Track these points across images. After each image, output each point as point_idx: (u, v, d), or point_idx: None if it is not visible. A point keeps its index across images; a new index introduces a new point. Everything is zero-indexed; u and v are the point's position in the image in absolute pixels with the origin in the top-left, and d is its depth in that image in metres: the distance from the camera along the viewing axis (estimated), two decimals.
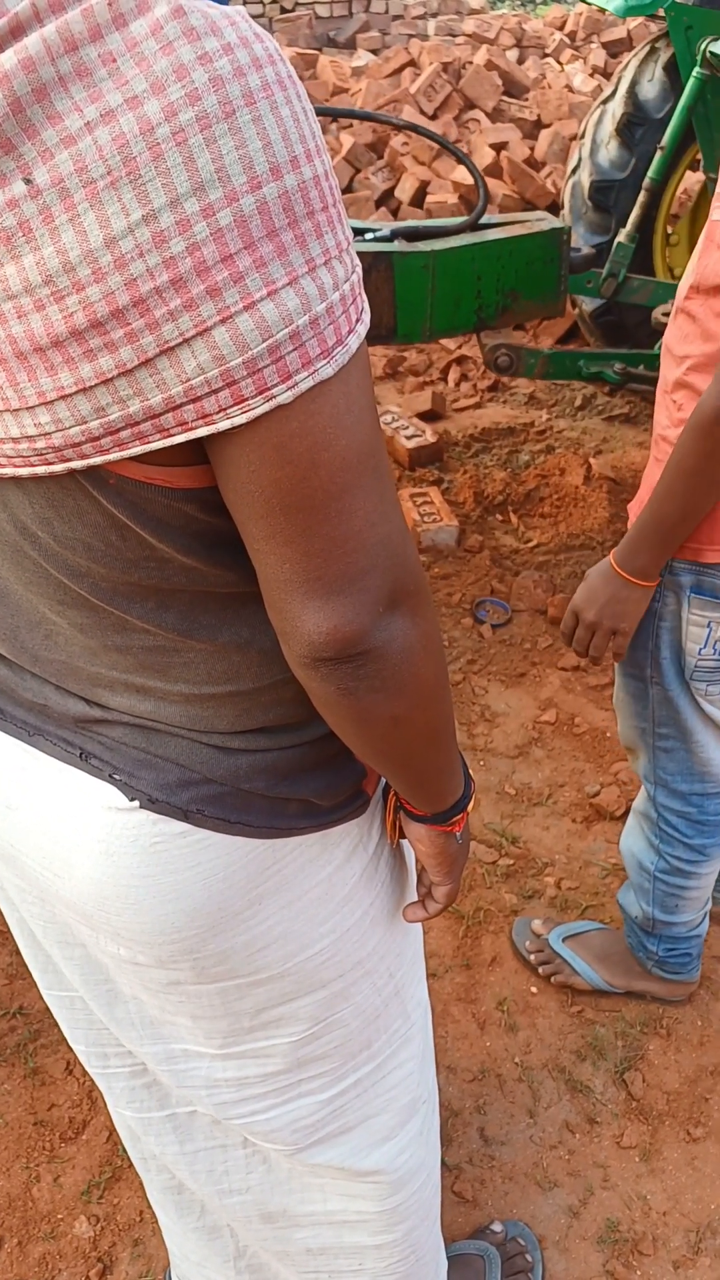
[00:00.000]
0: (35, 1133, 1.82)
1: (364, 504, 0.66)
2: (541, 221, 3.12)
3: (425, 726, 0.79)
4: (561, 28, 8.80)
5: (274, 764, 0.85)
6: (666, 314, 3.49)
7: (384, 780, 1.00)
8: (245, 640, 0.79)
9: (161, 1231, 1.37)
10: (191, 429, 0.62)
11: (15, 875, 0.95)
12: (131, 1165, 1.77)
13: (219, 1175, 1.15)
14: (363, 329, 0.65)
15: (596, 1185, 1.75)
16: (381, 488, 0.67)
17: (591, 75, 7.26)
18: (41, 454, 0.65)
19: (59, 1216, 1.71)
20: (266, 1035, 0.98)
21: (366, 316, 0.66)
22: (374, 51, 8.64)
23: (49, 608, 0.78)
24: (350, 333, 0.63)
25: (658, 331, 3.63)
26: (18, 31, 0.54)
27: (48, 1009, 2.01)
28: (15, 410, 0.63)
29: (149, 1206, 1.72)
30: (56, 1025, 1.98)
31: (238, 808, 0.84)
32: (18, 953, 2.12)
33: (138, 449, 0.64)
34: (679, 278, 4.12)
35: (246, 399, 0.61)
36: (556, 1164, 1.78)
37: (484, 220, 3.09)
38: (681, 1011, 2.01)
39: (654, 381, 3.36)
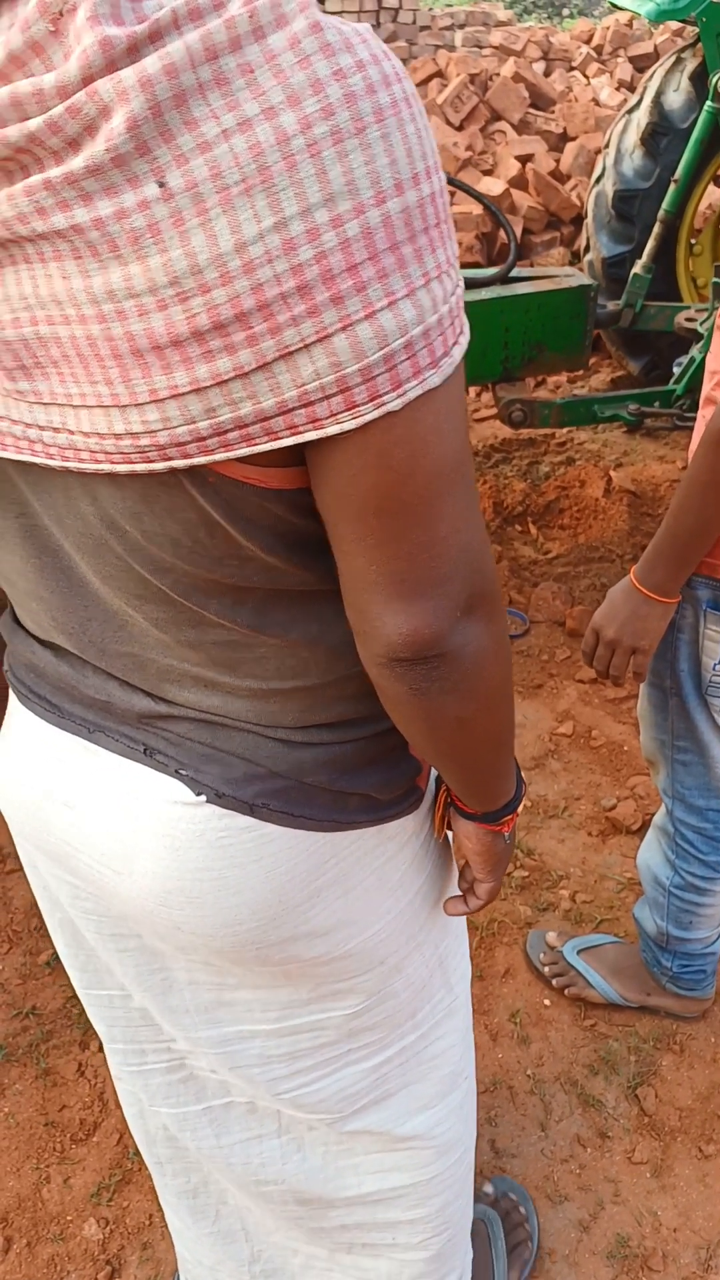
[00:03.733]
0: (46, 1134, 1.83)
1: (453, 510, 0.68)
2: (570, 278, 3.19)
3: (489, 729, 0.81)
4: (589, 41, 8.81)
5: (336, 758, 0.86)
6: (690, 319, 3.49)
7: (434, 775, 1.01)
8: (314, 636, 0.81)
9: (171, 1235, 1.37)
10: (300, 433, 0.63)
11: (67, 873, 0.96)
12: (142, 1168, 1.78)
13: (255, 1167, 1.16)
14: (465, 341, 0.66)
15: (607, 1200, 1.74)
16: (469, 495, 0.69)
17: (618, 89, 7.27)
18: (144, 451, 0.65)
19: (68, 1218, 1.71)
20: (323, 1009, 1.00)
21: (467, 330, 0.67)
22: (402, 61, 8.67)
23: (126, 601, 0.79)
24: (455, 344, 0.65)
25: (680, 340, 3.64)
26: (155, 37, 0.55)
27: (61, 1010, 2.02)
28: (123, 406, 0.64)
29: (158, 1210, 1.72)
30: (69, 1026, 1.99)
31: (301, 801, 0.85)
32: (30, 953, 2.13)
33: (243, 450, 0.64)
34: (703, 287, 4.12)
35: (358, 405, 0.62)
36: (567, 1177, 1.77)
37: (513, 274, 3.16)
38: (695, 1028, 2.00)
39: (669, 417, 3.36)
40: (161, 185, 0.57)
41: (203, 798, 0.84)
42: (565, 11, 11.99)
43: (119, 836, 0.87)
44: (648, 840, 1.87)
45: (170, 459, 0.65)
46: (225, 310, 0.59)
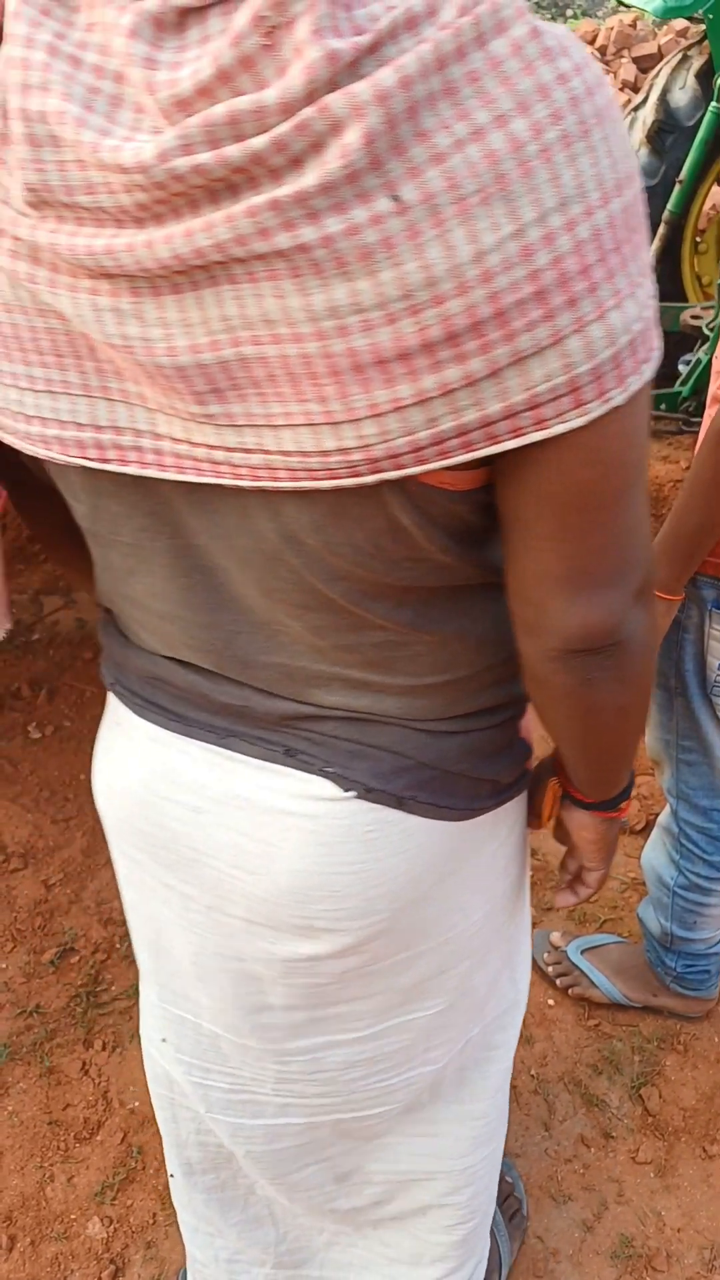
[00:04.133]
0: (50, 1132, 1.83)
1: (638, 500, 0.70)
2: None
3: (638, 717, 0.84)
4: (592, 42, 8.81)
5: (477, 745, 0.88)
6: (696, 317, 3.48)
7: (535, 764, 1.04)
8: (465, 630, 0.82)
9: (183, 1236, 1.36)
10: (523, 434, 0.63)
11: (185, 882, 0.95)
12: (146, 1167, 1.78)
13: (296, 1154, 1.16)
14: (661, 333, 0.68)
15: (611, 1200, 1.74)
16: (645, 484, 0.71)
17: (622, 89, 7.27)
18: (354, 466, 0.65)
19: (72, 1217, 1.71)
20: (410, 1011, 1.01)
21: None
22: None
23: (286, 612, 0.78)
24: (658, 337, 0.66)
25: (686, 337, 3.63)
26: (375, 48, 0.55)
27: (64, 1009, 2.02)
28: (336, 423, 0.63)
29: (162, 1209, 1.72)
30: (73, 1025, 1.99)
31: (445, 791, 0.87)
32: (34, 952, 2.14)
33: (461, 457, 0.64)
34: (708, 285, 4.11)
35: (586, 403, 0.62)
36: (571, 1177, 1.77)
37: None
38: (699, 1028, 2.00)
39: (676, 421, 3.35)
40: (395, 199, 0.56)
41: (352, 793, 0.84)
42: (569, 12, 12.00)
43: (256, 836, 0.87)
44: (653, 840, 1.86)
45: (381, 471, 0.65)
46: (460, 320, 0.58)
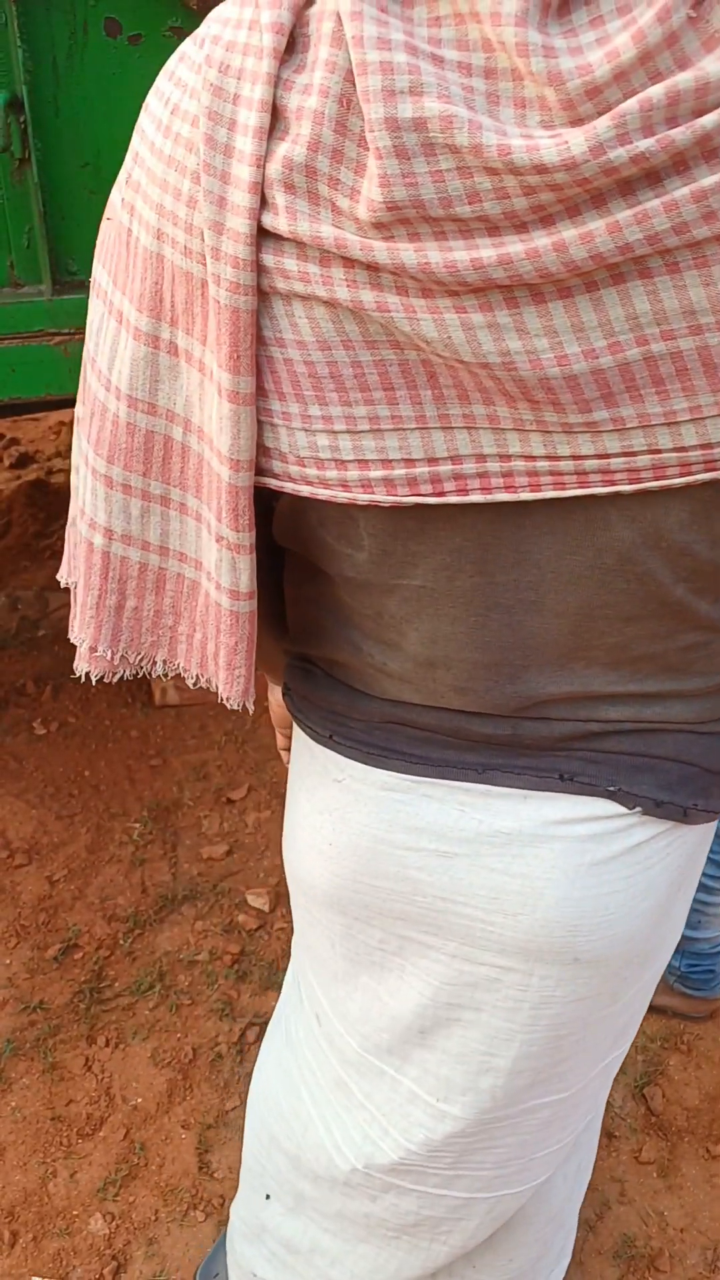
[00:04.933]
0: (52, 1128, 1.83)
1: None
2: None
3: None
4: None
5: None
6: None
7: None
8: None
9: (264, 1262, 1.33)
10: None
11: (427, 934, 0.90)
12: (146, 1164, 1.78)
13: (429, 1227, 1.14)
14: None
15: (614, 1199, 1.74)
16: None
17: None
18: None
19: (74, 1213, 1.72)
20: (608, 1068, 1.02)
21: None
22: None
23: (605, 629, 0.76)
24: None
25: None
26: None
27: (68, 1005, 2.02)
28: None
29: (164, 1205, 1.72)
30: (76, 1021, 1.99)
31: (715, 795, 0.84)
32: (38, 948, 2.14)
33: None
34: None
35: None
36: None
37: None
38: (703, 1028, 1.99)
39: None
40: None
41: (637, 810, 0.82)
42: None
43: (517, 872, 0.84)
44: None
45: None
46: None
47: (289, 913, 2.24)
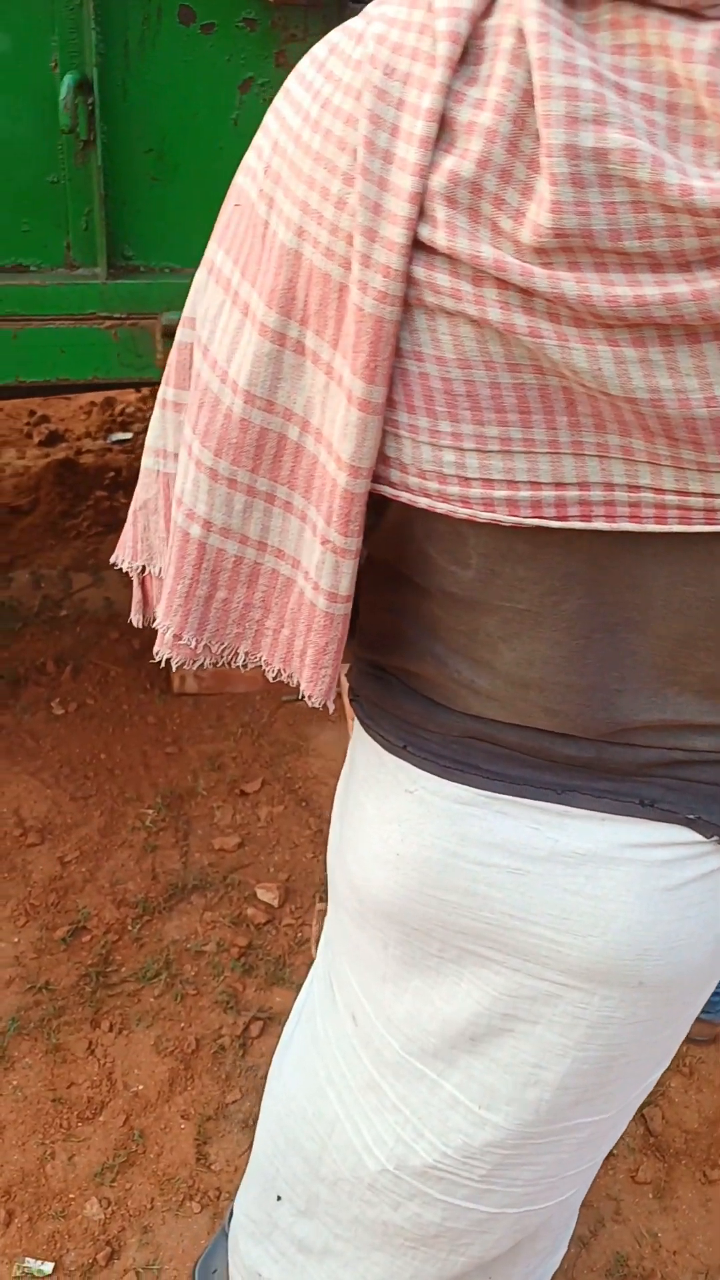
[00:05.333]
0: (53, 1110, 1.83)
1: None
2: None
3: None
4: None
5: None
6: None
7: None
8: None
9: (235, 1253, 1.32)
10: None
11: (490, 948, 0.90)
12: (145, 1152, 1.78)
13: (449, 1239, 1.14)
14: None
15: (608, 1217, 1.74)
16: None
17: None
18: None
19: (70, 1196, 1.72)
20: (644, 1089, 1.02)
21: None
22: None
23: (708, 656, 0.77)
24: None
25: None
26: None
27: (73, 987, 2.03)
28: None
29: (160, 1194, 1.72)
30: (81, 1004, 1.99)
31: None
32: (47, 928, 2.14)
33: None
34: None
35: None
36: None
37: None
38: (706, 1052, 1.99)
39: None
40: None
41: (715, 839, 0.82)
42: None
43: (589, 894, 0.84)
44: None
45: None
46: None
47: (298, 909, 2.24)
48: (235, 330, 0.72)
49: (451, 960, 0.94)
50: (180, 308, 1.82)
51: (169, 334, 1.83)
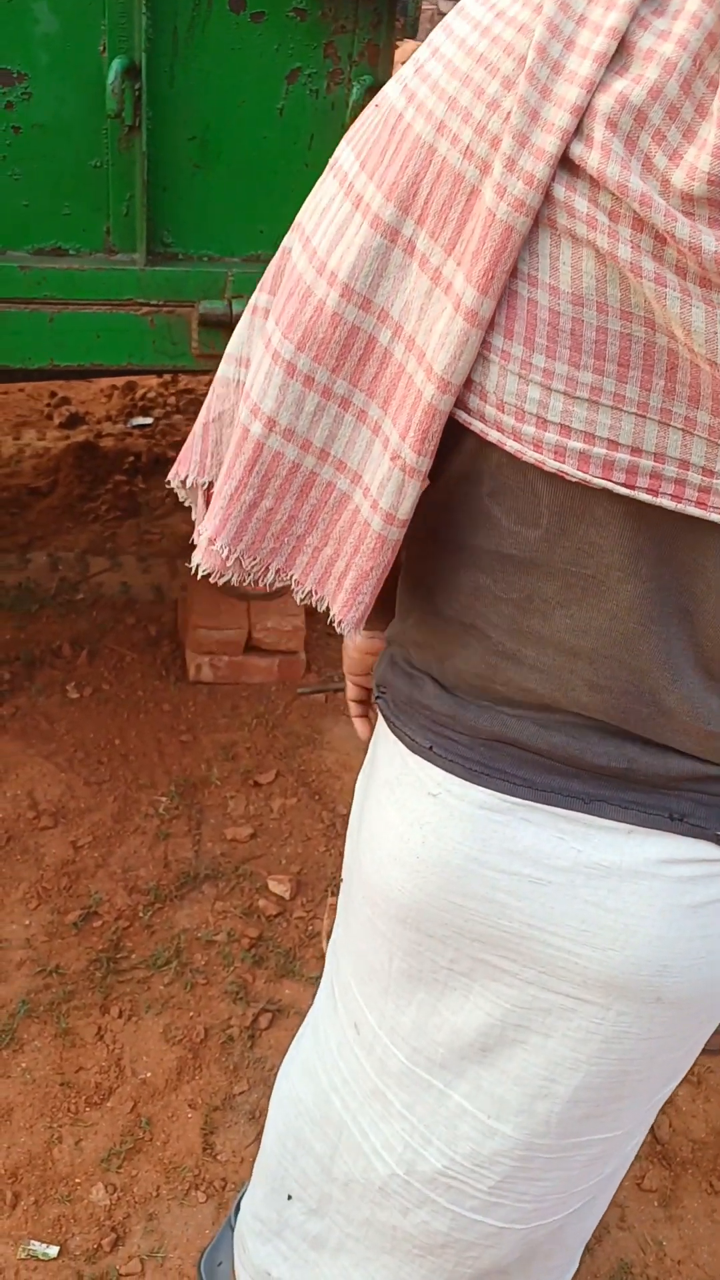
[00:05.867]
0: (61, 1093, 1.84)
1: None
2: None
3: None
4: None
5: None
6: None
7: None
8: None
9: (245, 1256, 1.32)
10: None
11: (504, 958, 0.89)
12: (152, 1139, 1.78)
13: (456, 1251, 1.14)
14: None
15: (613, 1224, 1.74)
16: None
17: None
18: None
19: (76, 1180, 1.72)
20: (654, 1107, 1.02)
21: None
22: None
23: None
24: None
25: None
26: None
27: (83, 971, 2.03)
28: None
29: (166, 1183, 1.72)
30: (91, 989, 2.00)
31: None
32: (58, 912, 2.14)
33: None
34: None
35: None
36: None
37: None
38: (715, 1061, 1.99)
39: None
40: None
41: None
42: None
43: (611, 906, 0.83)
44: None
45: None
46: None
47: (309, 902, 2.24)
48: (344, 221, 0.69)
49: (462, 973, 0.93)
50: (218, 297, 1.82)
51: (205, 323, 1.82)
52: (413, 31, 1.78)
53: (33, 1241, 1.64)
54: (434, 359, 0.66)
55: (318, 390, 0.72)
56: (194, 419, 4.41)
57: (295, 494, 0.77)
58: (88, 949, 2.08)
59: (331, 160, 0.73)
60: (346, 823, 2.47)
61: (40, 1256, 1.62)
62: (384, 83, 1.91)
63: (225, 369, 0.83)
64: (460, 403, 0.69)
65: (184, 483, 0.88)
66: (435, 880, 0.88)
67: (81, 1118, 1.81)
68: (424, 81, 0.65)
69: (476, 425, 0.69)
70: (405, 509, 0.72)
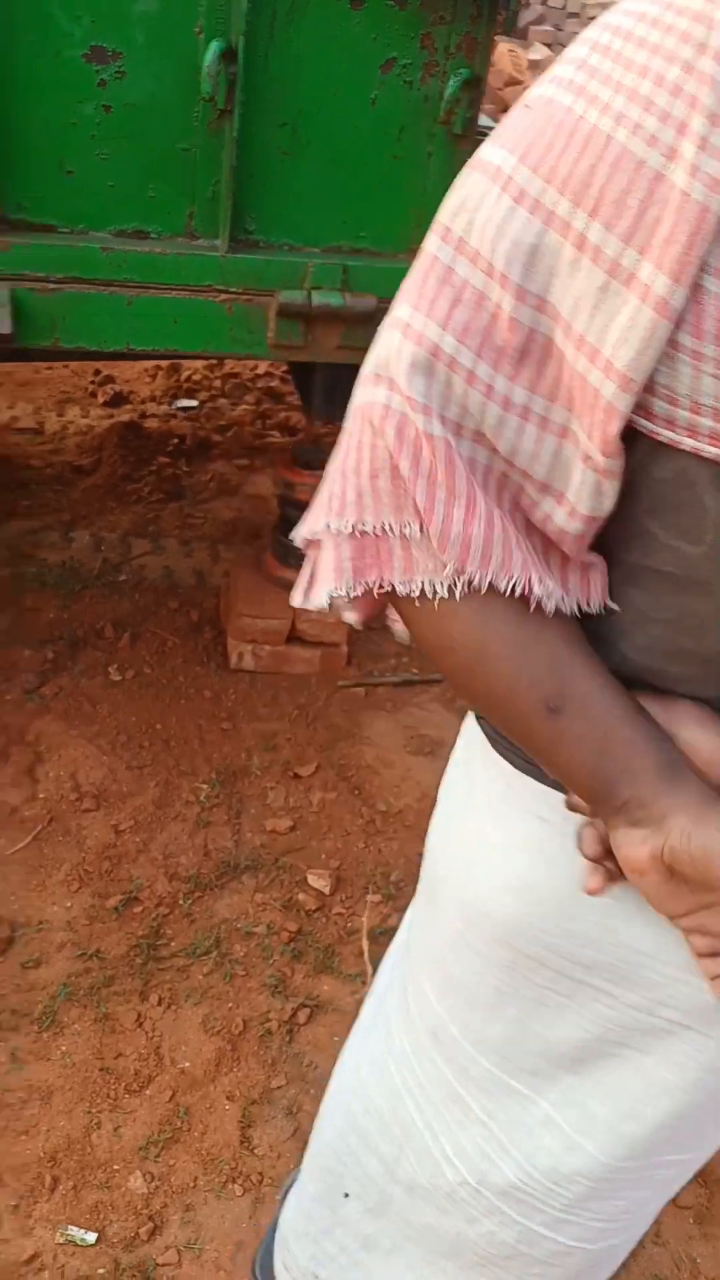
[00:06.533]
0: (101, 1079, 1.83)
1: None
2: None
3: None
4: None
5: None
6: None
7: None
8: None
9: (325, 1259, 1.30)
10: None
11: (611, 983, 0.88)
12: (190, 1130, 1.78)
13: (520, 1265, 1.13)
14: None
15: (647, 1239, 1.73)
16: None
17: None
18: None
19: (115, 1167, 1.72)
20: None
21: None
22: (546, 45, 8.52)
23: None
24: None
25: None
26: None
27: (124, 957, 2.02)
28: None
29: (204, 1174, 1.72)
30: (131, 975, 1.99)
31: None
32: (99, 895, 2.14)
33: None
34: None
35: None
36: None
37: None
38: None
39: None
40: None
41: None
42: None
43: None
44: None
45: None
46: None
47: (348, 899, 2.23)
48: (504, 216, 0.65)
49: (563, 993, 0.91)
50: (297, 287, 1.80)
51: (284, 314, 1.80)
52: (511, 26, 1.75)
53: (71, 1227, 1.63)
54: (618, 355, 0.63)
55: (498, 401, 0.69)
56: (240, 403, 4.43)
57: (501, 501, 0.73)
58: (128, 934, 2.08)
59: (470, 163, 0.69)
60: (385, 820, 2.47)
61: (79, 1242, 1.62)
62: (482, 77, 1.90)
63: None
64: (644, 408, 0.65)
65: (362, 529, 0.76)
66: (545, 906, 0.87)
67: (120, 1104, 1.80)
68: (592, 76, 0.63)
69: (664, 434, 0.66)
70: (607, 505, 0.70)
